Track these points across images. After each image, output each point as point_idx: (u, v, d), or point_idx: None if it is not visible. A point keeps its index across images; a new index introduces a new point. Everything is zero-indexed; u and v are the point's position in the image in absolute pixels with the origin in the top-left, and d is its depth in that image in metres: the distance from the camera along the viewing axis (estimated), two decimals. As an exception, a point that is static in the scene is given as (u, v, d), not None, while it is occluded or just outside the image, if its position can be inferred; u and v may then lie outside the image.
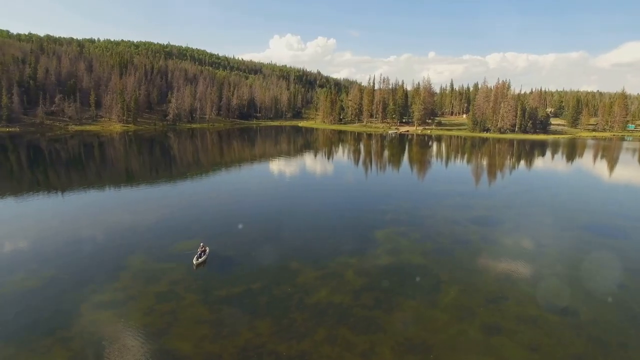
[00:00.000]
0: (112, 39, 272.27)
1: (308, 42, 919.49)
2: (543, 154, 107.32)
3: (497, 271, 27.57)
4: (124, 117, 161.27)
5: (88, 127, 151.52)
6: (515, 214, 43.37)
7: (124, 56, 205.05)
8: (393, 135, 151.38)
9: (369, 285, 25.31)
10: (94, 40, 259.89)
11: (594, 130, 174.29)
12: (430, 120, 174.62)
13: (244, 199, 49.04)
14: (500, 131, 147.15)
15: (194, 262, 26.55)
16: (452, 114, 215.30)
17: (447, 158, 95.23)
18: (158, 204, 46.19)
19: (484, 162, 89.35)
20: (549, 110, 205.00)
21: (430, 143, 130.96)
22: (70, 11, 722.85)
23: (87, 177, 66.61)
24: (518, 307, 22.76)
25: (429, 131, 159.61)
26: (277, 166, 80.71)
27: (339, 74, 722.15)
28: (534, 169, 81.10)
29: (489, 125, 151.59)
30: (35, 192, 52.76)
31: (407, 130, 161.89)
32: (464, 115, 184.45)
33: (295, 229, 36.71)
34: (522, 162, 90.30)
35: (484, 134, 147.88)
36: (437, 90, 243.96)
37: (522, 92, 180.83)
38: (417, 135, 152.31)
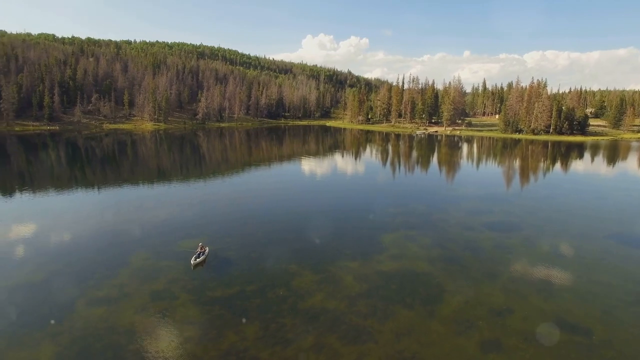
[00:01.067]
0: (147, 40, 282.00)
1: (341, 41, 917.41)
2: (580, 157, 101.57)
3: (506, 282, 25.84)
4: (155, 116, 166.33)
5: (121, 126, 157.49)
6: (539, 220, 40.88)
7: (157, 57, 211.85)
8: (421, 135, 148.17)
9: (366, 292, 24.35)
10: (131, 41, 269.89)
11: (639, 131, 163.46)
12: (460, 121, 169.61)
13: (260, 199, 48.88)
14: (533, 132, 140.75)
15: (192, 262, 26.48)
16: (484, 115, 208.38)
17: (474, 160, 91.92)
18: (176, 202, 47.04)
19: (514, 165, 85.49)
20: (589, 110, 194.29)
21: (459, 144, 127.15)
22: (121, 13, 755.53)
23: (120, 173, 69.46)
24: (524, 322, 21.14)
25: (458, 132, 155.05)
26: (301, 166, 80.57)
27: (371, 74, 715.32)
28: (568, 172, 76.66)
29: (522, 126, 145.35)
30: (68, 188, 55.02)
31: (436, 131, 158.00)
32: (497, 116, 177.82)
33: (302, 230, 36.16)
34: (555, 165, 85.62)
35: (516, 135, 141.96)
36: (469, 90, 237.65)
37: (560, 91, 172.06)
38: (446, 136, 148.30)
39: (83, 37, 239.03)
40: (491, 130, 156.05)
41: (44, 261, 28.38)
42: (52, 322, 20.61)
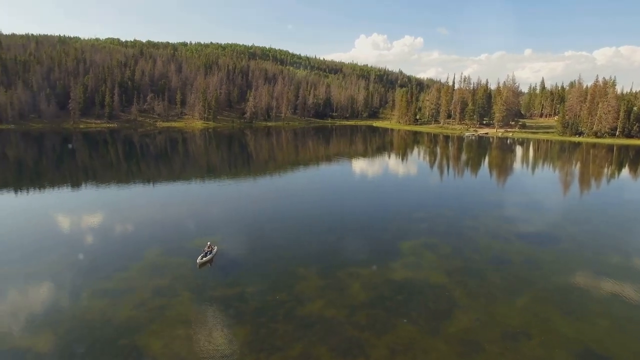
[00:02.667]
0: (202, 42, 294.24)
1: (394, 41, 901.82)
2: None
3: (529, 301, 23.15)
4: (205, 115, 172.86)
5: (173, 124, 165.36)
6: (584, 233, 36.80)
7: (210, 57, 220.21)
8: (471, 137, 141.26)
9: (370, 302, 22.94)
10: (186, 43, 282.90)
11: None
12: (513, 123, 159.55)
13: (288, 199, 48.65)
14: (596, 135, 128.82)
15: (198, 261, 26.46)
16: (541, 116, 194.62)
17: (524, 164, 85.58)
18: (207, 199, 48.48)
19: (569, 170, 78.49)
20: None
21: (511, 147, 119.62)
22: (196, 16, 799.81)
23: (170, 170, 73.43)
24: (541, 349, 18.72)
25: (510, 134, 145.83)
26: (341, 167, 79.68)
27: (425, 74, 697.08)
28: (637, 180, 68.97)
29: (583, 129, 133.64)
30: (125, 182, 58.44)
31: (486, 133, 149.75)
32: (555, 118, 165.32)
33: (321, 233, 35.08)
34: (621, 172, 77.33)
35: (576, 138, 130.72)
36: (526, 89, 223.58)
37: (634, 90, 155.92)
38: (497, 138, 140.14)
39: (144, 40, 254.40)
40: (547, 132, 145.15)
41: (68, 251, 29.88)
42: (55, 310, 21.41)
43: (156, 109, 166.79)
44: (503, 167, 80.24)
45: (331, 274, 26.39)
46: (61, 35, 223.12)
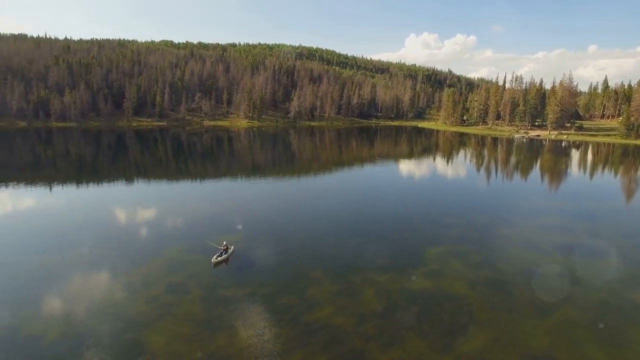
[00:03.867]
0: (250, 43, 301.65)
1: (445, 40, 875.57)
2: None
3: (558, 321, 20.94)
4: (250, 114, 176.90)
5: (219, 123, 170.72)
6: (635, 247, 33.09)
7: (257, 58, 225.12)
8: (522, 139, 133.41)
9: (382, 311, 21.84)
10: (235, 44, 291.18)
11: None
12: (569, 124, 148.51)
13: (317, 200, 48.08)
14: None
15: (212, 261, 26.58)
16: (602, 117, 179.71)
17: (579, 168, 79.05)
18: (241, 197, 49.06)
19: (631, 176, 71.48)
20: None
21: (565, 150, 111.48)
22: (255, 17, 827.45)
23: (217, 167, 76.18)
24: (565, 376, 16.80)
25: (564, 136, 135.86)
26: (379, 168, 78.05)
27: (477, 73, 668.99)
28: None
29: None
30: (174, 179, 61.11)
31: (538, 135, 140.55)
32: (619, 119, 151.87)
33: (344, 235, 34.04)
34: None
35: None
36: (585, 89, 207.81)
37: None
38: (550, 140, 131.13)
39: (195, 41, 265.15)
40: (608, 135, 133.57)
41: (92, 244, 31.13)
42: (71, 301, 22.32)
43: (203, 108, 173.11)
44: (554, 172, 74.67)
45: (346, 278, 25.51)
46: (120, 38, 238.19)
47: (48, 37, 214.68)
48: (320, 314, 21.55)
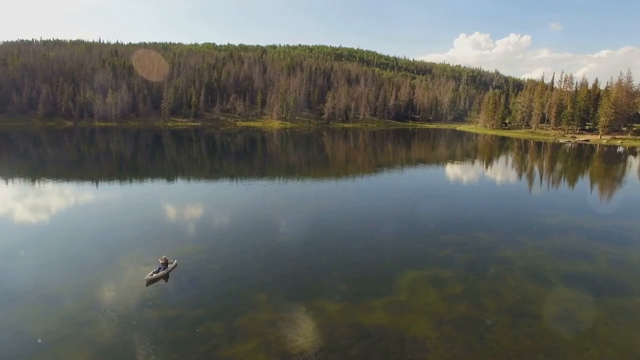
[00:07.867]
0: (290, 44, 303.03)
1: (497, 40, 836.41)
2: None
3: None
4: (283, 115, 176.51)
5: (252, 123, 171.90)
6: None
7: (294, 59, 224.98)
8: (569, 144, 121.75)
9: (313, 352, 18.01)
10: (275, 45, 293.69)
11: None
12: (625, 128, 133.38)
13: (322, 207, 44.87)
14: None
15: (146, 278, 23.76)
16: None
17: (623, 178, 69.35)
18: (221, 199, 46.79)
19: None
20: None
21: (621, 157, 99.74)
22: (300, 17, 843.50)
23: (253, 168, 76.16)
24: None
25: (619, 141, 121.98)
26: (398, 174, 73.53)
27: (531, 74, 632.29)
28: None
29: None
30: (207, 178, 60.85)
31: (587, 140, 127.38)
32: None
33: (316, 251, 30.45)
34: None
35: None
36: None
37: None
38: (601, 145, 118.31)
39: (236, 43, 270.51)
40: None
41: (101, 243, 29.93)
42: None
43: (237, 109, 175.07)
44: (594, 183, 65.98)
45: (291, 306, 21.95)
46: (165, 42, 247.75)
47: (101, 41, 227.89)
48: (239, 348, 18.25)
